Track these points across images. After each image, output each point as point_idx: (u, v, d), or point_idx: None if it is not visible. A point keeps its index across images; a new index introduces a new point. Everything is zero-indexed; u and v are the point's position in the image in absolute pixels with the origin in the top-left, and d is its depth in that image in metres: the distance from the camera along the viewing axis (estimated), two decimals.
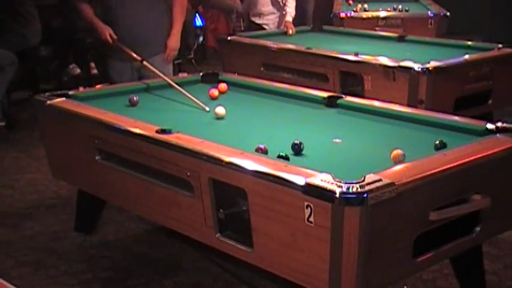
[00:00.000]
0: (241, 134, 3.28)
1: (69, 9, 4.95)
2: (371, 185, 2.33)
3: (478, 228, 2.82)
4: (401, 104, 3.98)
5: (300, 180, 2.42)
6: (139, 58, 4.44)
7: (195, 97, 3.77)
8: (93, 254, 3.89)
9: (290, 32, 6.42)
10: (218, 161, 2.73)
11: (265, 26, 6.92)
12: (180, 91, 3.92)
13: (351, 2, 8.57)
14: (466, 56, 4.94)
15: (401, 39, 6.11)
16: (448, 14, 7.41)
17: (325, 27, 7.01)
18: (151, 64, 4.40)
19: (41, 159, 5.02)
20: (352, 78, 4.99)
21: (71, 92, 3.88)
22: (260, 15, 6.96)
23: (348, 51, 5.16)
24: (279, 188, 2.49)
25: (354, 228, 2.31)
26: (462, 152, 2.74)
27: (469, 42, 5.64)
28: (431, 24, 7.34)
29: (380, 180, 2.36)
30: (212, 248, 2.97)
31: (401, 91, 4.58)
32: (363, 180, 2.35)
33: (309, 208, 2.39)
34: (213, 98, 3.90)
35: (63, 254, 3.89)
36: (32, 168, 5.28)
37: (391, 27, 7.21)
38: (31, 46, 6.42)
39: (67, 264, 3.76)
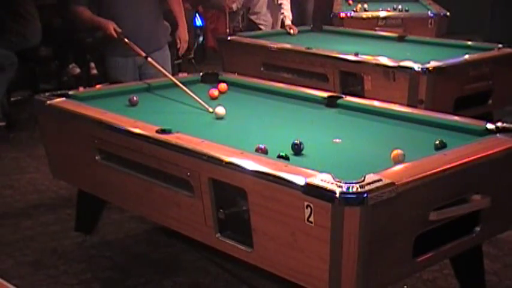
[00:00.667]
0: (241, 134, 3.28)
1: (67, 12, 4.95)
2: (371, 185, 2.33)
3: (478, 228, 2.82)
4: (401, 104, 3.98)
5: (300, 180, 2.42)
6: (143, 54, 4.45)
7: (198, 97, 3.77)
8: (93, 254, 3.89)
9: (292, 32, 6.43)
10: (218, 161, 2.73)
11: (261, 26, 6.94)
12: (183, 89, 3.92)
13: (350, 2, 8.57)
14: (466, 56, 4.94)
15: (401, 39, 6.11)
16: (448, 14, 7.42)
17: (325, 27, 7.02)
18: (152, 60, 4.43)
19: (41, 159, 5.02)
20: (352, 78, 4.99)
21: (71, 92, 3.88)
22: (257, 14, 6.98)
23: (348, 51, 5.16)
24: (279, 188, 2.49)
25: (354, 228, 2.31)
26: (462, 152, 2.74)
27: (469, 42, 5.64)
28: (431, 24, 7.35)
29: (380, 180, 2.36)
30: (212, 248, 2.97)
31: (401, 91, 4.58)
32: (363, 180, 2.35)
33: (309, 208, 2.38)
34: (213, 98, 3.90)
35: (63, 254, 3.89)
36: (32, 168, 5.29)
37: (391, 27, 7.22)
38: (31, 46, 6.42)
39: (67, 264, 3.76)
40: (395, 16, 7.57)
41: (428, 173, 2.52)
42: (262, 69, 5.63)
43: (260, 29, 6.92)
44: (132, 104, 3.75)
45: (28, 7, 6.36)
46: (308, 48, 5.38)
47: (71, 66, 7.39)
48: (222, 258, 3.42)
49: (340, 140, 3.16)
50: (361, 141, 3.16)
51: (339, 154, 2.99)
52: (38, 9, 6.48)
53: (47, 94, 3.86)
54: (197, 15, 8.87)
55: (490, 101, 5.03)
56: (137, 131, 3.16)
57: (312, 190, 2.37)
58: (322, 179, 2.39)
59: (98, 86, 4.54)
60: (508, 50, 5.20)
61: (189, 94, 3.83)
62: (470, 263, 3.16)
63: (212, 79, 4.32)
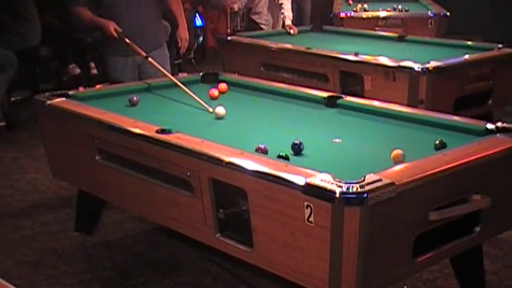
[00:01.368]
0: (241, 134, 3.28)
1: (68, 12, 4.96)
2: (371, 185, 2.33)
3: (478, 228, 2.82)
4: (401, 104, 3.98)
5: (300, 180, 2.42)
6: (143, 53, 4.45)
7: (198, 97, 3.77)
8: (93, 254, 3.89)
9: (292, 32, 6.43)
10: (218, 161, 2.73)
11: (263, 26, 6.94)
12: (182, 88, 3.92)
13: (350, 2, 8.58)
14: (466, 56, 4.94)
15: (401, 39, 6.11)
16: (448, 14, 7.42)
17: (325, 27, 7.02)
18: (152, 59, 4.43)
19: (41, 159, 5.02)
20: (352, 78, 4.99)
21: (71, 92, 3.88)
22: (259, 14, 6.98)
23: (348, 51, 5.17)
24: (279, 188, 2.49)
25: (354, 228, 2.31)
26: (462, 152, 2.74)
27: (469, 42, 5.64)
28: (431, 24, 7.35)
29: (380, 180, 2.36)
30: (212, 248, 2.97)
31: (401, 91, 4.58)
32: (363, 180, 2.35)
33: (309, 208, 2.38)
34: (213, 98, 3.90)
35: (63, 254, 3.89)
36: (32, 168, 5.28)
37: (391, 27, 7.22)
38: (31, 46, 6.41)
39: (67, 264, 3.76)
40: (395, 16, 7.58)
41: (428, 173, 2.52)
42: (262, 69, 5.63)
43: (262, 28, 6.93)
44: (132, 104, 3.75)
45: (28, 7, 6.36)
46: (308, 48, 5.39)
47: (71, 66, 7.40)
48: (222, 258, 3.42)
49: (340, 140, 3.16)
50: (361, 141, 3.16)
51: (339, 154, 2.99)
52: (38, 9, 6.48)
53: (47, 94, 3.86)
54: (197, 15, 8.87)
55: (490, 101, 5.03)
56: (137, 131, 3.16)
57: (312, 190, 2.37)
58: (322, 179, 2.39)
59: (98, 86, 4.53)
60: (508, 50, 5.20)
61: (188, 94, 3.83)
62: (470, 263, 3.16)
63: (212, 79, 4.32)
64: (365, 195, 2.28)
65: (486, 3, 10.10)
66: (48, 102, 3.71)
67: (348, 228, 2.32)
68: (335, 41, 6.11)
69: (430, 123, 3.29)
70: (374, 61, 4.87)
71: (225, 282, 3.55)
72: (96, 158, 3.46)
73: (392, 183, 2.36)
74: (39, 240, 4.07)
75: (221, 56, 6.28)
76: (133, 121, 3.27)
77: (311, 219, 2.39)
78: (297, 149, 2.87)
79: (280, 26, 6.73)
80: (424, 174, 2.50)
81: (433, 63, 4.56)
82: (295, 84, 4.31)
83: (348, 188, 2.31)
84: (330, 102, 3.72)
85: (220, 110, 3.51)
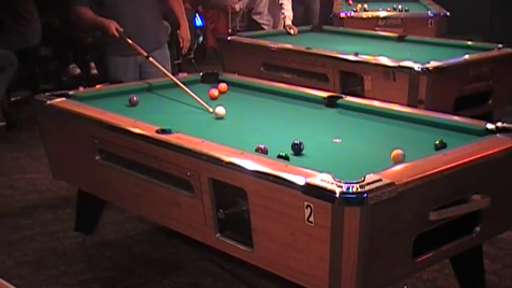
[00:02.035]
0: (241, 134, 3.28)
1: (69, 12, 4.97)
2: (371, 185, 2.33)
3: (478, 228, 2.82)
4: (401, 104, 3.98)
5: (300, 180, 2.42)
6: (145, 53, 4.46)
7: (198, 97, 3.77)
8: (93, 254, 3.89)
9: (292, 32, 6.43)
10: (218, 161, 2.73)
11: (264, 26, 6.95)
12: (183, 88, 3.92)
13: (350, 2, 8.58)
14: (466, 56, 4.94)
15: (401, 39, 6.11)
16: (448, 14, 7.42)
17: (325, 27, 7.03)
18: (153, 58, 4.44)
19: (41, 159, 5.02)
20: (352, 78, 4.99)
21: (71, 92, 3.88)
22: (260, 14, 6.98)
23: (348, 51, 5.17)
24: (279, 188, 2.49)
25: (354, 228, 2.31)
26: (462, 152, 2.74)
27: (469, 42, 5.64)
28: (431, 24, 7.35)
29: (380, 180, 2.36)
30: (212, 248, 2.97)
31: (401, 91, 4.58)
32: (363, 180, 2.35)
33: (309, 208, 2.39)
34: (213, 98, 3.90)
35: (63, 254, 3.89)
36: (32, 168, 5.28)
37: (391, 27, 7.22)
38: (31, 46, 6.41)
39: (67, 264, 3.76)
40: (395, 16, 7.58)
41: (428, 173, 2.52)
42: (262, 69, 5.63)
43: (263, 28, 6.93)
44: (132, 104, 3.75)
45: (28, 7, 6.35)
46: (308, 48, 5.39)
47: (71, 66, 7.39)
48: (222, 258, 3.42)
49: (340, 140, 3.16)
50: (361, 141, 3.16)
51: (339, 154, 2.99)
52: (38, 9, 6.48)
53: (47, 94, 3.86)
54: (197, 15, 8.87)
55: (490, 101, 5.03)
56: (137, 131, 3.16)
57: (312, 190, 2.37)
58: (322, 179, 2.39)
59: (98, 86, 4.53)
60: (508, 50, 5.20)
61: (189, 94, 3.83)
62: (470, 263, 3.16)
63: (212, 79, 4.32)
64: (365, 195, 2.28)
65: (486, 3, 10.10)
66: (48, 102, 3.71)
67: (348, 228, 2.32)
68: (335, 41, 6.11)
69: (430, 123, 3.29)
70: (374, 61, 4.87)
71: (225, 282, 3.55)
72: (96, 158, 3.46)
73: (392, 183, 2.36)
74: (39, 240, 4.07)
75: (221, 56, 6.28)
76: (133, 121, 3.27)
77: (311, 219, 2.39)
78: (297, 149, 2.87)
79: (281, 26, 6.73)
80: (424, 174, 2.50)
81: (433, 63, 4.56)
82: (295, 84, 4.31)
83: (348, 188, 2.31)
84: (330, 102, 3.72)
85: (220, 110, 3.51)
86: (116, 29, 4.50)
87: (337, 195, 2.30)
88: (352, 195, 2.29)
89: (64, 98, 3.75)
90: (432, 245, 2.68)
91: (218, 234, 2.86)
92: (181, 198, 2.99)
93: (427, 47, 5.74)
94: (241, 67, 5.48)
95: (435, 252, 2.69)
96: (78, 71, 7.36)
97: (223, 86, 4.09)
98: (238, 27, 9.11)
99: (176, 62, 8.35)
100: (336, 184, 2.34)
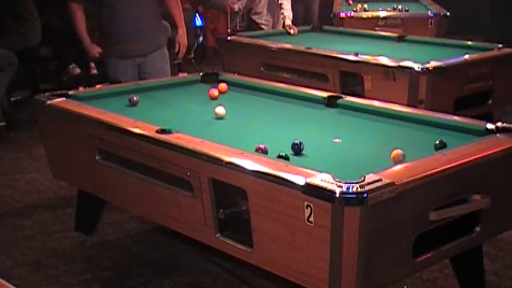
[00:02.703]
0: (241, 134, 3.28)
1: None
2: (371, 185, 2.33)
3: (478, 228, 2.82)
4: (401, 104, 3.98)
5: (300, 180, 2.42)
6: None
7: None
8: (93, 254, 3.89)
9: (292, 31, 6.43)
10: (218, 161, 2.73)
11: (263, 26, 6.95)
12: None
13: (350, 2, 8.58)
14: (466, 56, 4.94)
15: (401, 39, 6.11)
16: (448, 14, 7.42)
17: (325, 27, 7.02)
18: (152, 59, 4.44)
19: (41, 159, 5.02)
20: (352, 78, 4.99)
21: (71, 92, 3.88)
22: (259, 14, 6.98)
23: (348, 51, 5.17)
24: (279, 188, 2.49)
25: (354, 228, 2.31)
26: (462, 152, 2.74)
27: (469, 42, 5.64)
28: (431, 24, 7.35)
29: (380, 180, 2.36)
30: (212, 248, 2.97)
31: (401, 91, 4.58)
32: (363, 180, 2.35)
33: (309, 208, 2.39)
34: (213, 98, 3.90)
35: (63, 254, 3.89)
36: (32, 168, 5.28)
37: (391, 27, 7.22)
38: (31, 46, 6.41)
39: (67, 264, 3.76)
40: (395, 16, 7.58)
41: (428, 173, 2.52)
42: (262, 69, 5.63)
43: (262, 29, 6.93)
44: (132, 104, 3.75)
45: (28, 7, 6.36)
46: (308, 48, 5.39)
47: (71, 66, 7.40)
48: (222, 258, 3.42)
49: (340, 140, 3.16)
50: (361, 141, 3.16)
51: (339, 154, 2.99)
52: (38, 9, 6.48)
53: (47, 94, 3.86)
54: (197, 15, 8.87)
55: (490, 101, 5.03)
56: (137, 131, 3.16)
57: (312, 190, 2.37)
58: (322, 179, 2.39)
59: (98, 86, 4.54)
60: (508, 50, 5.20)
61: None
62: (470, 263, 3.16)
63: (212, 79, 4.32)
64: (365, 195, 2.28)
65: (486, 3, 10.09)
66: (48, 102, 3.71)
67: (348, 228, 2.32)
68: (335, 41, 6.11)
69: (430, 123, 3.29)
70: (374, 61, 4.87)
71: (225, 282, 3.55)
72: (96, 158, 3.46)
73: (392, 183, 2.36)
74: (39, 240, 4.07)
75: (221, 56, 6.28)
76: (133, 121, 3.27)
77: (311, 219, 2.39)
78: (297, 149, 2.87)
79: (281, 26, 6.73)
80: (424, 174, 2.50)
81: (433, 63, 4.56)
82: (295, 84, 4.31)
83: (348, 188, 2.31)
84: (330, 102, 3.72)
85: (220, 110, 3.51)
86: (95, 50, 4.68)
87: (337, 195, 2.30)
88: (352, 195, 2.29)
89: (64, 98, 3.76)
90: (432, 245, 2.68)
91: (218, 234, 2.86)
92: (181, 198, 2.99)
93: (427, 47, 5.74)
94: (241, 67, 5.48)
95: (435, 252, 2.69)
96: (78, 71, 7.37)
97: (223, 86, 4.09)
98: (238, 27, 9.10)
99: (176, 62, 8.33)
100: (336, 184, 2.34)
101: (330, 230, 2.34)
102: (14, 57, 6.01)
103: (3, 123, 6.12)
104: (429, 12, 7.56)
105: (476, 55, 5.05)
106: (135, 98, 3.76)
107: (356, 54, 5.02)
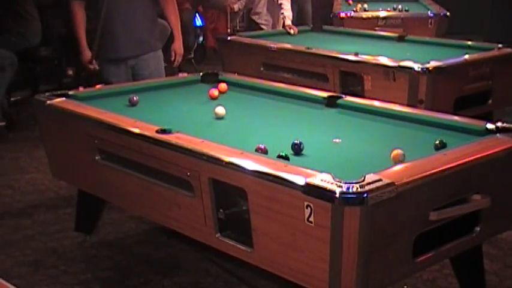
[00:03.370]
0: (241, 134, 3.28)
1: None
2: (371, 185, 2.33)
3: (478, 228, 2.82)
4: (401, 104, 3.98)
5: (300, 180, 2.42)
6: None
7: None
8: (93, 254, 3.89)
9: (292, 32, 6.43)
10: (218, 161, 2.73)
11: (263, 26, 6.95)
12: None
13: (350, 2, 8.58)
14: (466, 56, 4.94)
15: (401, 39, 6.11)
16: (448, 14, 7.42)
17: (325, 27, 7.02)
18: (145, 61, 4.40)
19: (41, 159, 5.02)
20: (352, 78, 4.99)
21: (71, 92, 3.88)
22: (259, 14, 6.98)
23: (348, 51, 5.17)
24: (279, 188, 2.49)
25: (354, 228, 2.31)
26: (462, 152, 2.74)
27: (469, 42, 5.64)
28: (431, 24, 7.35)
29: (380, 180, 2.36)
30: (212, 248, 2.97)
31: (401, 91, 4.58)
32: (363, 180, 2.35)
33: (309, 208, 2.38)
34: (213, 98, 3.90)
35: (63, 254, 3.89)
36: (32, 168, 5.28)
37: (391, 27, 7.22)
38: (31, 46, 6.42)
39: (67, 264, 3.76)
40: (395, 16, 7.58)
41: (428, 173, 2.52)
42: (262, 69, 5.63)
43: (262, 29, 6.93)
44: (132, 104, 3.75)
45: (28, 7, 6.36)
46: (308, 48, 5.39)
47: (69, 72, 7.38)
48: (222, 258, 3.42)
49: (340, 140, 3.16)
50: (361, 141, 3.16)
51: (339, 154, 2.99)
52: (38, 9, 6.48)
53: (47, 94, 3.86)
54: (197, 15, 8.87)
55: (490, 101, 5.04)
56: (137, 131, 3.16)
57: (312, 190, 2.37)
58: (322, 179, 2.39)
59: (98, 86, 4.53)
60: (508, 50, 5.20)
61: None
62: (470, 263, 3.16)
63: (212, 79, 4.32)
64: (365, 195, 2.28)
65: (486, 3, 10.09)
66: (48, 102, 3.71)
67: (348, 228, 2.32)
68: (335, 41, 6.11)
69: (430, 123, 3.29)
70: (374, 61, 4.87)
71: (225, 282, 3.55)
72: (96, 158, 3.46)
73: (392, 183, 2.36)
74: (39, 240, 4.07)
75: (221, 56, 6.28)
76: (133, 121, 3.27)
77: (311, 219, 2.39)
78: (297, 149, 2.87)
79: (281, 26, 6.73)
80: (424, 174, 2.50)
81: (433, 63, 4.56)
82: (295, 84, 4.31)
83: (348, 188, 2.31)
84: (330, 102, 3.72)
85: (220, 110, 3.51)
86: (90, 62, 4.65)
87: (337, 195, 2.30)
88: (352, 195, 2.29)
89: (64, 98, 3.75)
90: (432, 245, 2.68)
91: (218, 234, 2.86)
92: (181, 198, 2.99)
93: (427, 47, 5.74)
94: (241, 67, 5.48)
95: (435, 252, 2.69)
96: (70, 72, 7.35)
97: (223, 86, 4.09)
98: (238, 27, 9.11)
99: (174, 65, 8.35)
100: (336, 184, 2.34)
101: (330, 230, 2.34)
102: (14, 57, 6.01)
103: (3, 123, 6.12)
104: (429, 12, 7.56)
105: (476, 55, 5.05)
106: (135, 98, 3.76)
107: (356, 54, 5.02)
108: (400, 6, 7.81)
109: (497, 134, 3.00)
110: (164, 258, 3.83)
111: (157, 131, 3.07)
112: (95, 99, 3.81)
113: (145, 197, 3.26)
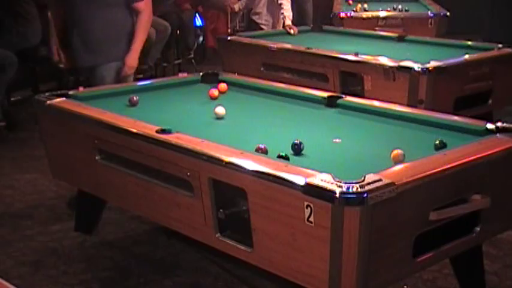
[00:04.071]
0: (241, 134, 3.28)
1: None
2: (371, 185, 2.33)
3: (478, 228, 2.82)
4: (401, 104, 3.98)
5: (300, 180, 2.42)
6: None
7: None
8: (93, 254, 3.89)
9: (292, 32, 6.43)
10: (218, 161, 2.73)
11: (263, 26, 6.95)
12: None
13: (350, 2, 8.58)
14: (466, 56, 4.95)
15: (401, 39, 6.11)
16: (448, 14, 7.42)
17: (325, 27, 7.02)
18: (107, 70, 4.33)
19: (41, 159, 5.01)
20: (352, 78, 4.99)
21: (71, 92, 3.88)
22: (259, 14, 6.98)
23: (348, 51, 5.17)
24: (279, 188, 2.49)
25: (354, 228, 2.31)
26: (462, 152, 2.74)
27: (469, 42, 5.64)
28: (431, 24, 7.35)
29: (380, 180, 2.36)
30: (212, 248, 2.97)
31: (401, 91, 4.58)
32: (363, 180, 2.35)
33: (309, 208, 2.39)
34: (213, 98, 3.90)
35: (63, 254, 3.89)
36: (32, 168, 5.28)
37: (391, 27, 7.22)
38: (31, 46, 6.41)
39: (67, 264, 3.76)
40: (395, 16, 7.58)
41: (428, 173, 2.52)
42: (262, 69, 5.63)
43: (262, 29, 6.93)
44: (132, 104, 3.75)
45: (28, 7, 6.36)
46: (308, 48, 5.39)
47: None
48: (222, 258, 3.42)
49: (340, 140, 3.16)
50: (361, 141, 3.16)
51: (339, 154, 2.99)
52: (38, 9, 6.48)
53: (47, 94, 3.86)
54: (197, 15, 8.87)
55: (490, 101, 5.04)
56: (137, 131, 3.16)
57: (312, 190, 2.37)
58: (322, 179, 2.39)
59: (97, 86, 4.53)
60: (508, 50, 5.20)
61: None
62: (470, 263, 3.16)
63: (212, 79, 4.32)
64: (365, 195, 2.28)
65: (486, 3, 10.09)
66: (48, 102, 3.71)
67: (348, 228, 2.32)
68: (335, 41, 6.11)
69: (430, 123, 3.29)
70: (374, 61, 4.87)
71: (225, 282, 3.55)
72: (96, 158, 3.46)
73: (392, 183, 2.36)
74: (39, 240, 4.07)
75: (221, 56, 6.28)
76: (133, 121, 3.27)
77: (311, 219, 2.39)
78: (297, 149, 2.87)
79: (281, 26, 6.73)
80: (424, 174, 2.51)
81: (433, 63, 4.56)
82: (295, 84, 4.31)
83: (348, 188, 2.31)
84: (330, 102, 3.72)
85: (220, 110, 3.51)
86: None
87: (337, 195, 2.30)
88: (352, 195, 2.29)
89: (64, 98, 3.76)
90: (432, 245, 2.68)
91: (218, 234, 2.86)
92: (181, 198, 2.99)
93: (427, 47, 5.74)
94: (241, 67, 5.48)
95: (435, 252, 2.69)
96: None
97: (223, 86, 4.09)
98: (238, 27, 9.10)
99: (176, 62, 8.36)
100: (336, 184, 2.34)
101: (330, 230, 2.34)
102: (14, 57, 6.01)
103: (3, 123, 6.12)
104: (429, 12, 7.56)
105: (476, 55, 5.06)
106: (135, 98, 3.76)
107: (356, 54, 5.02)
108: (400, 6, 7.81)
109: (497, 134, 3.00)
110: (164, 258, 3.83)
111: (157, 131, 3.07)
112: (95, 99, 3.81)
113: (145, 197, 3.26)
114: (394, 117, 3.42)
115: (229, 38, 6.20)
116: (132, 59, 4.49)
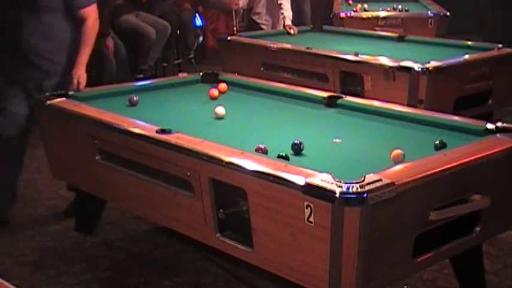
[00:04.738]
0: (241, 134, 3.28)
1: None
2: (371, 185, 2.33)
3: (478, 228, 2.82)
4: (401, 104, 3.98)
5: (300, 180, 2.42)
6: None
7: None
8: (93, 254, 3.89)
9: (292, 32, 6.43)
10: (218, 161, 2.73)
11: (263, 26, 6.95)
12: None
13: (350, 2, 8.58)
14: (466, 56, 4.95)
15: (401, 39, 6.11)
16: (448, 14, 7.42)
17: (325, 27, 7.02)
18: (50, 85, 3.98)
19: (41, 159, 5.00)
20: (352, 78, 4.99)
21: (71, 92, 3.88)
22: (259, 14, 6.99)
23: (348, 51, 5.17)
24: (279, 188, 2.49)
25: (354, 228, 2.31)
26: (462, 152, 2.74)
27: (469, 42, 5.64)
28: (431, 24, 7.35)
29: (380, 180, 2.36)
30: (212, 248, 2.97)
31: (401, 91, 4.58)
32: (363, 180, 2.35)
33: (309, 208, 2.39)
34: (213, 98, 3.90)
35: (63, 254, 3.89)
36: (32, 168, 5.28)
37: (391, 27, 7.22)
38: None
39: (67, 264, 3.76)
40: (395, 16, 7.58)
41: (428, 173, 2.52)
42: (262, 69, 5.63)
43: (262, 29, 6.94)
44: (132, 104, 3.75)
45: None
46: (308, 48, 5.38)
47: None
48: (222, 258, 3.42)
49: (340, 140, 3.16)
50: (361, 141, 3.16)
51: (339, 154, 2.99)
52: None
53: (47, 94, 3.85)
54: (197, 15, 8.87)
55: (490, 101, 5.03)
56: (137, 131, 3.16)
57: (312, 190, 2.37)
58: (322, 179, 2.39)
59: (97, 86, 4.53)
60: (508, 50, 5.20)
61: None
62: (470, 263, 3.16)
63: (212, 79, 4.32)
64: (365, 195, 2.28)
65: (486, 3, 10.09)
66: (48, 102, 3.71)
67: (348, 228, 2.32)
68: (335, 41, 6.11)
69: (430, 123, 3.29)
70: (374, 61, 4.87)
71: (225, 282, 3.55)
72: (96, 158, 3.46)
73: (392, 183, 2.36)
74: (39, 240, 4.07)
75: (221, 56, 6.28)
76: (133, 121, 3.27)
77: (311, 219, 2.39)
78: (297, 149, 2.87)
79: (281, 26, 6.74)
80: (424, 174, 2.50)
81: (433, 63, 4.56)
82: (295, 84, 4.31)
83: (348, 188, 2.31)
84: (330, 102, 3.72)
85: (220, 110, 3.51)
86: None
87: (337, 195, 2.30)
88: (352, 195, 2.29)
89: (64, 98, 3.75)
90: (432, 245, 2.68)
91: (218, 234, 2.86)
92: (181, 198, 2.99)
93: (427, 47, 5.74)
94: (241, 67, 5.48)
95: (435, 252, 2.69)
96: None
97: (223, 86, 4.09)
98: (239, 27, 9.10)
99: (176, 61, 8.36)
100: (336, 184, 2.34)
101: (330, 230, 2.34)
102: None
103: None
104: (429, 12, 7.56)
105: (476, 55, 5.06)
106: (135, 98, 3.76)
107: (356, 54, 5.02)
108: (400, 6, 7.81)
109: (497, 134, 3.00)
110: (164, 258, 3.83)
111: (157, 131, 3.07)
112: (95, 99, 3.81)
113: (145, 197, 3.26)
114: (394, 117, 3.42)
115: (229, 38, 6.19)
116: (79, 70, 3.99)
